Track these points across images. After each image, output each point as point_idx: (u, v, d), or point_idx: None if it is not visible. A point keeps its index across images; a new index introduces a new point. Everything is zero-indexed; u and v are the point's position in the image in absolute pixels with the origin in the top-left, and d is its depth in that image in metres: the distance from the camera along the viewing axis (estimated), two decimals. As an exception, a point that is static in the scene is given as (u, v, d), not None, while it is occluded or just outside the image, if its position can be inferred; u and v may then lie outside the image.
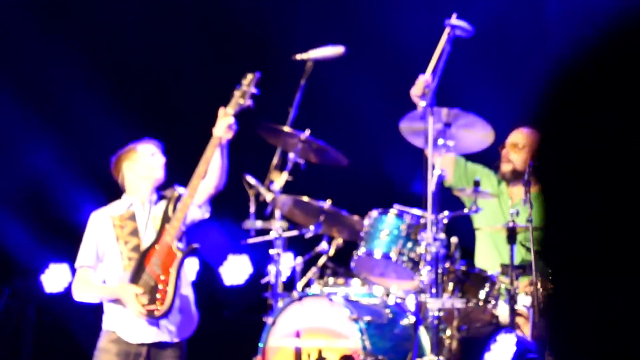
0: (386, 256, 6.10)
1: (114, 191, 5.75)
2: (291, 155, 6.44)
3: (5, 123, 8.91)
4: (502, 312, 6.07)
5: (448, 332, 6.02)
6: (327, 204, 6.50)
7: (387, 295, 6.34)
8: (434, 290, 5.81)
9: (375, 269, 6.30)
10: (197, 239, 5.73)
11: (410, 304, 6.27)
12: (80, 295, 5.60)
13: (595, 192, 1.87)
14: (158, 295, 5.43)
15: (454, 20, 6.02)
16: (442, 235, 5.89)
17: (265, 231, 6.62)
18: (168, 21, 9.12)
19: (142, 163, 5.65)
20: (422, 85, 5.99)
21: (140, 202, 5.64)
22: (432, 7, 7.42)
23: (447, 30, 6.04)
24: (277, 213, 6.55)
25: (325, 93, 7.95)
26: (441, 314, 5.86)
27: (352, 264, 6.26)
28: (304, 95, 6.47)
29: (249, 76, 5.61)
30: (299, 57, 6.54)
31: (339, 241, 6.72)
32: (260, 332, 6.28)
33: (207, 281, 8.66)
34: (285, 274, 6.68)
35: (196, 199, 5.50)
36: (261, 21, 8.93)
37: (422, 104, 5.91)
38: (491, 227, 6.44)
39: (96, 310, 5.70)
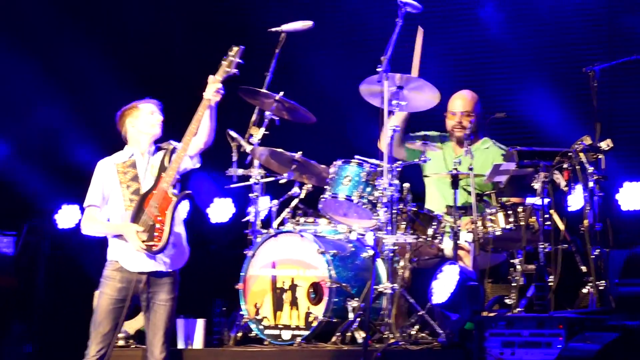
0: (348, 199, 6.48)
1: (118, 142, 5.82)
2: (267, 113, 6.82)
3: (25, 85, 9.10)
4: (447, 246, 6.47)
5: (401, 264, 6.38)
6: (298, 154, 6.82)
7: (350, 232, 6.69)
8: (389, 228, 6.25)
9: (340, 210, 6.67)
10: (188, 184, 5.91)
11: (369, 239, 6.64)
12: (88, 230, 5.70)
13: None
14: (155, 233, 5.53)
15: (405, -2, 6.41)
16: (396, 181, 6.31)
17: (246, 177, 6.96)
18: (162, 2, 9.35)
19: (143, 119, 5.72)
20: None
21: (140, 153, 5.72)
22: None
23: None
24: (256, 162, 6.90)
25: (297, 60, 8.15)
26: (395, 248, 6.29)
27: (320, 206, 6.63)
28: (278, 62, 6.87)
29: (235, 48, 5.68)
30: (274, 29, 6.94)
31: (308, 186, 6.98)
32: (242, 263, 6.64)
33: (197, 220, 8.84)
34: (262, 214, 6.94)
35: (188, 152, 5.61)
36: (243, 1, 9.18)
37: (378, 69, 6.29)
38: (438, 174, 6.79)
39: (102, 244, 5.78)
